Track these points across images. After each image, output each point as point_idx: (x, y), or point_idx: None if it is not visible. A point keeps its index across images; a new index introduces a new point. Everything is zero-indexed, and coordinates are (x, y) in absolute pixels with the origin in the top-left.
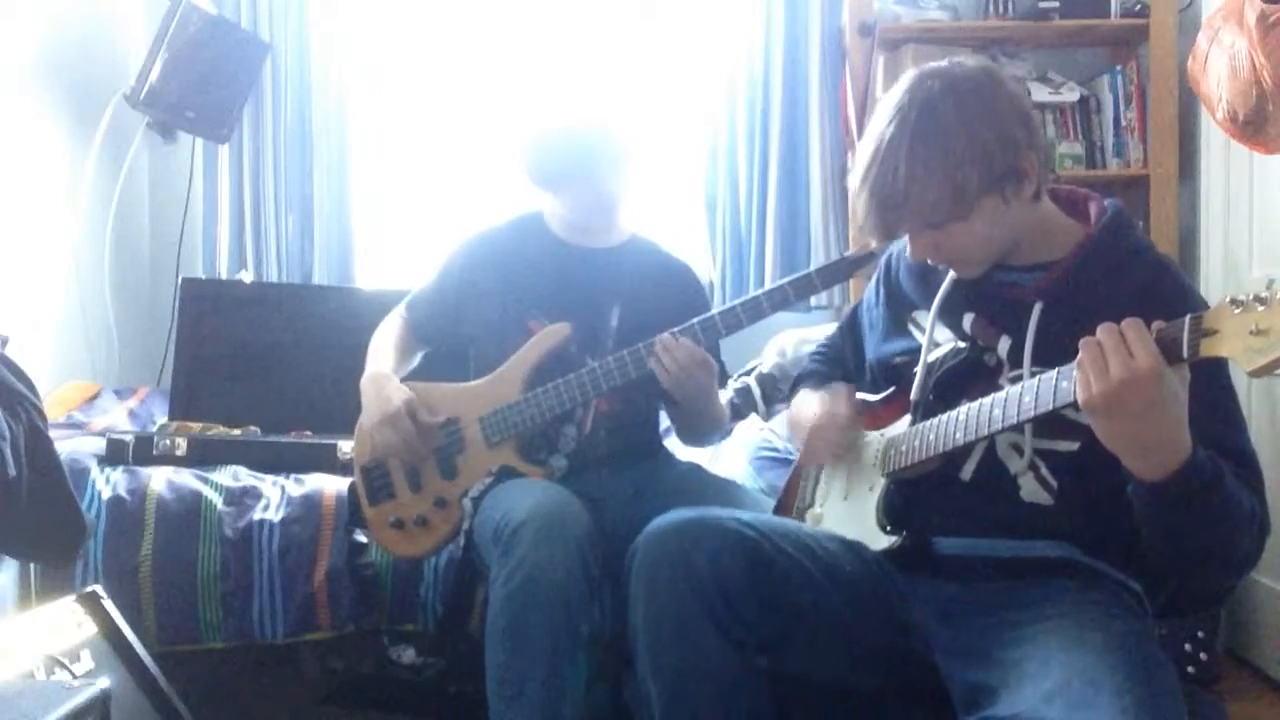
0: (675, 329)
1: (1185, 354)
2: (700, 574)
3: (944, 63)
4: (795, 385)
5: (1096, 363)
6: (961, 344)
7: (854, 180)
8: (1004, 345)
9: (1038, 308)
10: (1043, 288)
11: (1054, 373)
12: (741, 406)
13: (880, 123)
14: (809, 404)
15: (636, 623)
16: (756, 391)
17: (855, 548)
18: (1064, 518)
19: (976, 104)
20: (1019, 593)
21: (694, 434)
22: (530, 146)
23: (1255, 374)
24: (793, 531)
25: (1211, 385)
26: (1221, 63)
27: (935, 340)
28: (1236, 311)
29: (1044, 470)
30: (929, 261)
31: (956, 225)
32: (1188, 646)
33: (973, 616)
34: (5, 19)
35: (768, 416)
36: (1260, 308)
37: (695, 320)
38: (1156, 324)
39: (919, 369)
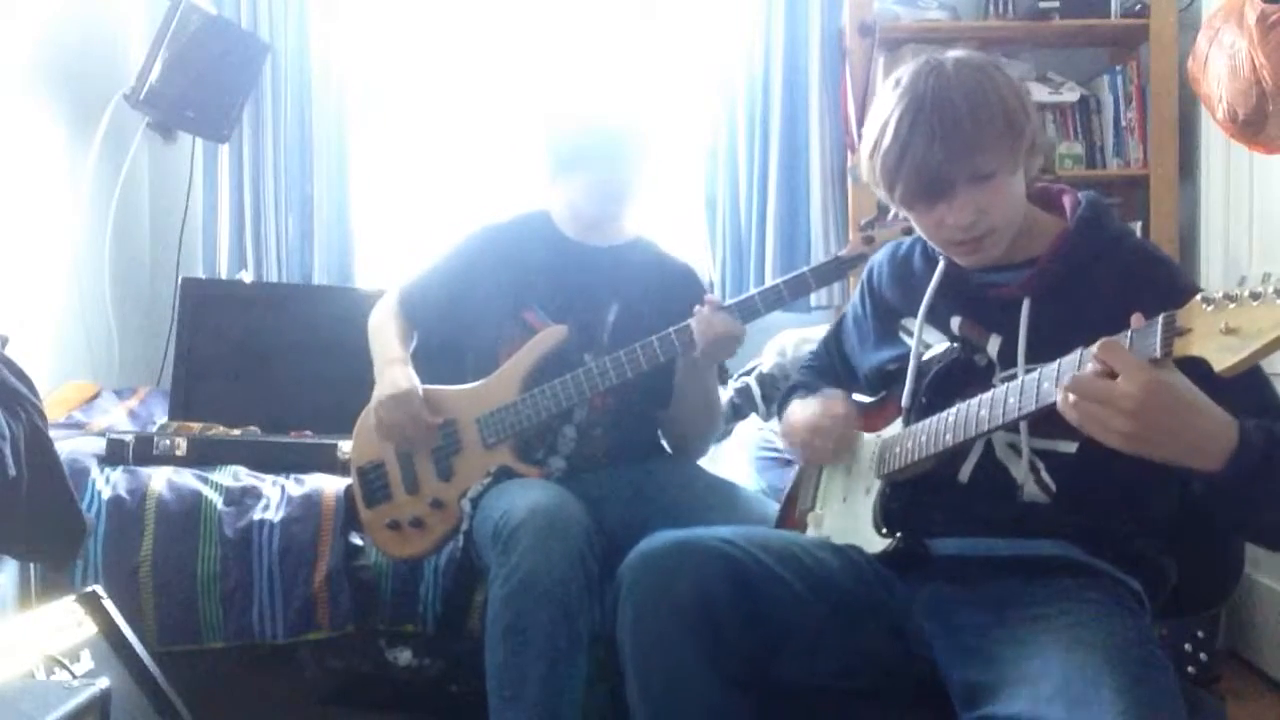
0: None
1: (1159, 354)
2: (683, 600)
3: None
4: (786, 396)
5: (1104, 408)
6: (953, 345)
7: (888, 146)
8: (994, 345)
9: (1026, 304)
10: (1028, 284)
11: (1036, 372)
12: (742, 406)
13: (901, 91)
14: (805, 407)
15: (624, 648)
16: (756, 391)
17: (849, 554)
18: (1063, 516)
19: (1000, 71)
20: (1018, 592)
21: (686, 434)
22: (560, 121)
23: (1226, 372)
24: (779, 545)
25: None
26: (1221, 63)
27: (926, 343)
28: (1209, 309)
29: (1043, 471)
30: (965, 237)
31: (1005, 179)
32: (1188, 646)
33: (971, 615)
34: (5, 19)
35: (768, 416)
36: (1231, 305)
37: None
38: (1131, 326)
39: (910, 372)
